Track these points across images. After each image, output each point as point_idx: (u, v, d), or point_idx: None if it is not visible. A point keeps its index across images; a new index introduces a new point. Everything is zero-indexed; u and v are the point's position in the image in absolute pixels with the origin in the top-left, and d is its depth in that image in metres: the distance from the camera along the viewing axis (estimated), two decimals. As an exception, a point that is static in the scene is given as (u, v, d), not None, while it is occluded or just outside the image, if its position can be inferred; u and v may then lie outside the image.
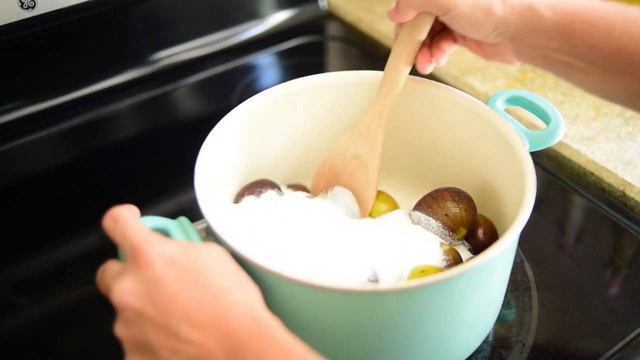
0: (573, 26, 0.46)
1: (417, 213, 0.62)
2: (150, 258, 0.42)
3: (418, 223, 0.62)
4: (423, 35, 0.56)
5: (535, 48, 0.49)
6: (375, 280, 0.55)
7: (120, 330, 0.43)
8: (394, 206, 0.67)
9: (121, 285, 0.42)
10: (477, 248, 0.62)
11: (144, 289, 0.41)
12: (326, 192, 0.65)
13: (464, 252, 0.62)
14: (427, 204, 0.62)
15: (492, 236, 0.62)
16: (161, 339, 0.40)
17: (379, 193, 0.67)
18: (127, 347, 0.43)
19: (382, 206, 0.66)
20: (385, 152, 0.71)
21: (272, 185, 0.65)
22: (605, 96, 0.50)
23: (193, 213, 0.54)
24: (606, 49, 0.45)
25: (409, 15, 0.55)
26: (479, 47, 0.55)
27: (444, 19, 0.53)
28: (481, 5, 0.50)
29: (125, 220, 0.45)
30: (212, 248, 0.45)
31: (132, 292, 0.41)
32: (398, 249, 0.62)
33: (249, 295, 0.42)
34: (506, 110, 0.62)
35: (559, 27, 0.47)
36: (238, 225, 0.62)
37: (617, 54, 0.45)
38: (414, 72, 0.61)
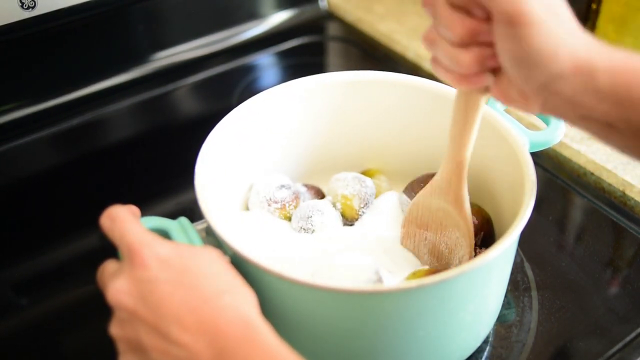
0: (630, 92, 0.39)
1: (404, 197, 0.63)
2: (146, 258, 0.42)
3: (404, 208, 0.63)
4: (491, 79, 0.45)
5: (576, 107, 0.41)
6: (379, 281, 0.55)
7: (114, 329, 0.43)
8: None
9: (116, 284, 0.42)
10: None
11: (138, 289, 0.41)
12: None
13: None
14: (413, 188, 0.63)
15: (484, 225, 0.61)
16: (152, 340, 0.40)
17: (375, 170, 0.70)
18: (121, 346, 0.43)
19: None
20: (385, 152, 0.71)
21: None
22: None
23: (193, 213, 0.54)
24: None
25: (485, 79, 0.45)
26: (500, 87, 0.45)
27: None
28: (551, 44, 0.39)
29: (123, 220, 0.45)
30: (209, 251, 0.45)
31: (126, 292, 0.41)
32: (399, 249, 0.62)
33: (242, 299, 0.42)
34: (506, 110, 0.62)
35: (614, 90, 0.39)
36: (239, 226, 0.63)
37: None
38: (414, 72, 0.61)
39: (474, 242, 0.58)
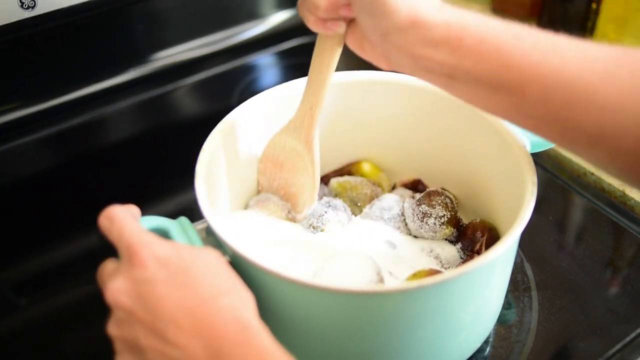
0: (462, 41, 0.43)
1: (408, 200, 0.65)
2: (144, 258, 0.42)
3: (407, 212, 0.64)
4: (344, 28, 0.52)
5: (416, 59, 0.45)
6: (380, 282, 0.55)
7: (112, 329, 0.43)
8: (376, 169, 0.71)
9: (114, 284, 0.42)
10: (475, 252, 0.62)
11: (136, 289, 0.41)
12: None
13: (453, 251, 0.62)
14: (420, 201, 0.64)
15: (488, 233, 0.62)
16: (149, 340, 0.40)
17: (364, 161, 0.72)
18: (118, 346, 0.43)
19: (366, 166, 0.71)
20: (383, 151, 0.71)
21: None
22: (490, 111, 0.46)
23: (193, 213, 0.54)
24: (495, 66, 0.42)
25: (340, 27, 0.51)
26: (355, 37, 0.52)
27: None
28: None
29: (121, 220, 0.45)
30: (208, 252, 0.44)
31: (124, 291, 0.41)
32: (401, 250, 0.62)
33: (240, 301, 0.42)
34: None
35: (447, 40, 0.43)
36: (239, 226, 0.63)
37: (507, 71, 0.42)
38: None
39: (318, 186, 0.63)
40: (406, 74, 0.48)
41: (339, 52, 0.54)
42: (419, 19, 0.44)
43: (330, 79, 0.57)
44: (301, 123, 0.60)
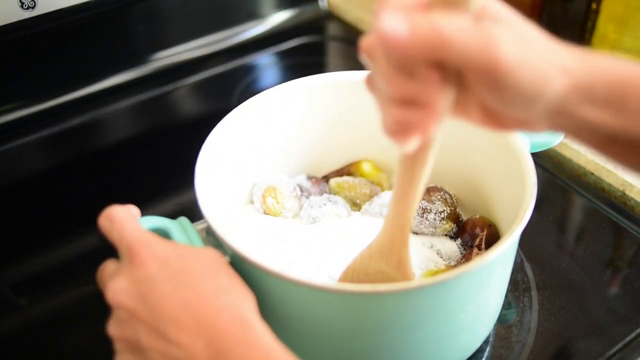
0: (627, 98, 0.37)
1: None
2: (145, 258, 0.42)
3: None
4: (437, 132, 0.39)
5: (581, 121, 0.38)
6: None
7: (112, 329, 0.43)
8: (376, 169, 0.70)
9: (115, 284, 0.42)
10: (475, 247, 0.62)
11: (137, 289, 0.41)
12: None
13: (453, 246, 0.62)
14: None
15: (488, 229, 0.62)
16: (151, 340, 0.40)
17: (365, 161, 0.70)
18: (118, 346, 0.43)
19: (366, 166, 0.70)
20: (386, 153, 0.71)
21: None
22: None
23: (193, 213, 0.54)
24: None
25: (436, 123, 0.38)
26: (491, 115, 0.40)
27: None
28: (538, 74, 0.36)
29: (122, 220, 0.45)
30: (208, 251, 0.45)
31: (126, 291, 0.41)
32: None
33: (241, 299, 0.42)
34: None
35: (611, 98, 0.37)
36: (239, 226, 0.63)
37: None
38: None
39: None
40: (564, 134, 0.41)
41: (431, 160, 0.43)
42: (576, 79, 0.37)
43: (421, 191, 0.46)
44: (390, 245, 0.50)
